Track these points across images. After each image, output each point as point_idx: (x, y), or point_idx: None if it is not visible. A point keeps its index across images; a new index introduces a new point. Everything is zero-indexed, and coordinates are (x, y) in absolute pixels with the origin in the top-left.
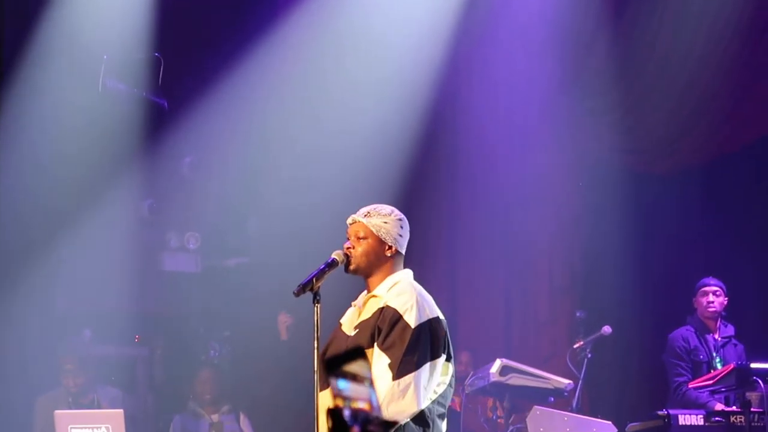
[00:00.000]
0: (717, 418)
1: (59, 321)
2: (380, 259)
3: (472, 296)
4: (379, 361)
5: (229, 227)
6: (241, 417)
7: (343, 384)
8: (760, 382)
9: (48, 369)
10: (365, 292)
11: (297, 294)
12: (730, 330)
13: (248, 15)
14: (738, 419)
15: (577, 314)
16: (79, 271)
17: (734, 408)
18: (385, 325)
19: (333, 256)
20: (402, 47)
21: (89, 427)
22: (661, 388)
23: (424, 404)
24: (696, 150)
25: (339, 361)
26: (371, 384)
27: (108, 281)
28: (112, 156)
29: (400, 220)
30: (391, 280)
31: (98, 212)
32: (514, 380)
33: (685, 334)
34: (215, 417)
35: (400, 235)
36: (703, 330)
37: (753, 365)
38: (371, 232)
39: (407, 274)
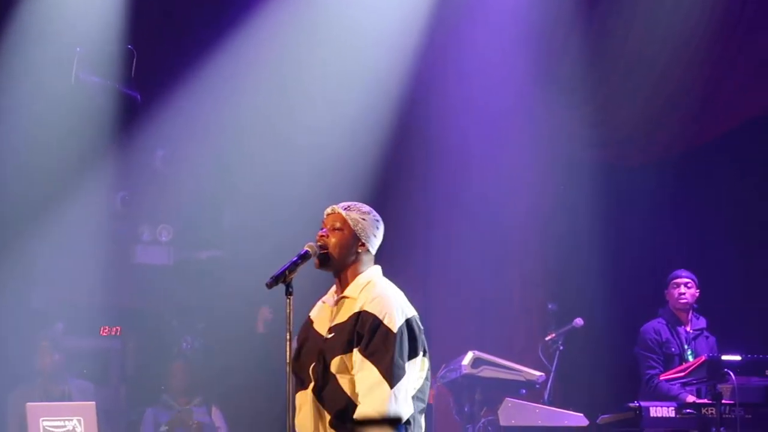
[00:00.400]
0: (688, 411)
1: (32, 314)
2: (351, 254)
3: (444, 288)
4: (366, 369)
5: (201, 220)
6: (213, 409)
7: (329, 390)
8: (731, 374)
9: (21, 361)
10: (334, 288)
11: (269, 286)
12: (702, 322)
13: (222, 7)
14: (709, 411)
15: (549, 306)
16: (52, 264)
17: (705, 400)
18: (365, 332)
19: (305, 248)
20: (376, 41)
21: (61, 419)
22: (633, 380)
23: None
24: (668, 143)
25: (323, 366)
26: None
27: (81, 274)
28: (85, 149)
29: (377, 221)
30: (362, 279)
31: (71, 205)
32: (486, 372)
33: (656, 326)
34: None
35: (374, 236)
36: (674, 322)
37: (724, 357)
38: (348, 225)
39: (377, 271)
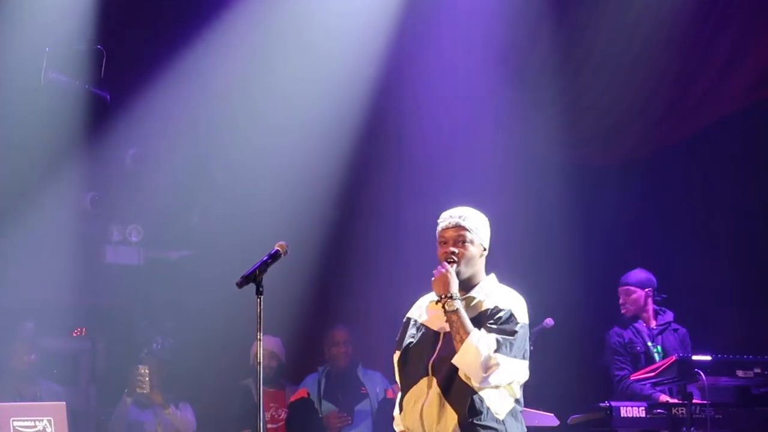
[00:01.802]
0: (659, 410)
1: (1, 313)
2: (478, 261)
3: (412, 290)
4: (488, 337)
5: (171, 220)
6: (181, 406)
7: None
8: (701, 374)
9: None
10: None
11: (240, 285)
12: (669, 316)
13: (192, 7)
14: (680, 411)
15: None
16: (21, 264)
17: (676, 400)
18: (497, 317)
19: (276, 247)
20: (345, 41)
21: (32, 420)
22: (604, 380)
23: (504, 391)
24: (636, 144)
25: (448, 360)
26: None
27: (50, 274)
28: (55, 149)
29: (487, 220)
30: (487, 284)
31: (41, 205)
32: None
33: (618, 330)
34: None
35: (488, 237)
36: (635, 322)
37: (694, 357)
38: (474, 236)
39: (495, 279)
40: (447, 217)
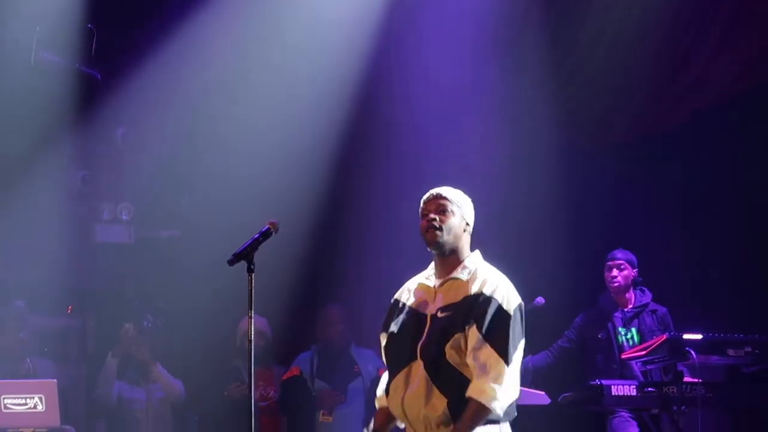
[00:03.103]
0: (649, 389)
1: None
2: (460, 235)
3: (402, 269)
4: (484, 349)
5: (162, 199)
6: (158, 367)
7: (445, 371)
8: (692, 352)
9: None
10: (432, 270)
11: (231, 263)
12: (647, 297)
13: None
14: (671, 389)
15: None
16: (11, 243)
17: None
18: (484, 314)
19: (267, 225)
20: (336, 21)
21: (22, 397)
22: (594, 359)
23: None
24: (629, 126)
25: (436, 344)
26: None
27: (41, 253)
28: (45, 128)
29: (470, 200)
30: (470, 263)
31: (31, 184)
32: None
33: (587, 311)
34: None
35: (472, 215)
36: (610, 306)
37: (685, 336)
38: (455, 207)
39: (479, 256)
40: (428, 193)
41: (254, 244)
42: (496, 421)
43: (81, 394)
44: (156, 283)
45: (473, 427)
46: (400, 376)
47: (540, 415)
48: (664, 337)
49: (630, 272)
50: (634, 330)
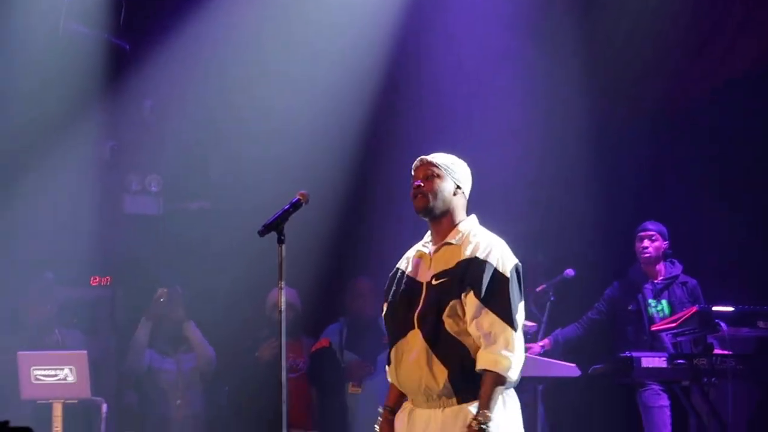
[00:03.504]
0: (680, 361)
1: (20, 264)
2: (450, 199)
3: None
4: (485, 315)
5: (191, 170)
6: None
7: (445, 340)
8: (722, 324)
9: (10, 311)
10: (428, 237)
11: (262, 234)
12: (677, 269)
13: None
14: (701, 362)
15: (539, 257)
16: (41, 214)
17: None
18: (481, 279)
19: (297, 196)
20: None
21: (53, 368)
22: (624, 331)
23: None
24: (661, 93)
25: (433, 312)
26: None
27: (70, 224)
28: (74, 99)
29: (464, 164)
30: (464, 227)
31: (60, 155)
32: None
33: (616, 284)
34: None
35: (467, 178)
36: (640, 278)
37: (715, 308)
38: (442, 171)
39: (475, 219)
40: (417, 159)
41: (284, 215)
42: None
43: (110, 365)
44: (185, 254)
45: (496, 398)
46: (400, 346)
47: (570, 387)
48: (694, 309)
49: (661, 244)
50: (664, 302)
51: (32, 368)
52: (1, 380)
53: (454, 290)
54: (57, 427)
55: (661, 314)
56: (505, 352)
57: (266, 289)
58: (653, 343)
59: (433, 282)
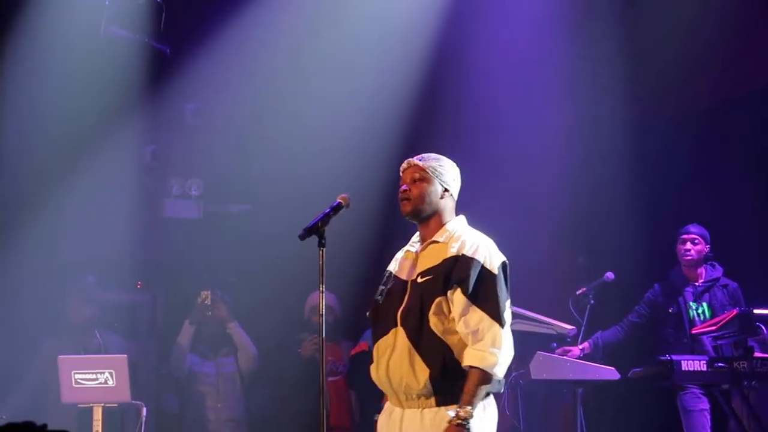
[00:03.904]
0: (720, 364)
1: (62, 268)
2: (437, 201)
3: None
4: (472, 312)
5: (231, 173)
6: (235, 324)
7: (428, 339)
8: (763, 327)
9: (50, 316)
10: (417, 237)
11: (302, 238)
12: (718, 272)
13: None
14: (741, 365)
15: (579, 260)
16: (82, 218)
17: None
18: (468, 276)
19: (338, 199)
20: None
21: (93, 372)
22: (664, 333)
23: None
24: (700, 96)
25: (417, 310)
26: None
27: (110, 228)
28: (114, 103)
29: (453, 165)
30: (451, 226)
31: (100, 159)
32: (518, 326)
33: (657, 286)
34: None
35: (454, 180)
36: (681, 281)
37: (756, 311)
38: (428, 174)
39: (463, 219)
40: (404, 162)
41: (325, 219)
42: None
43: (151, 369)
44: (225, 257)
45: (480, 396)
46: (381, 344)
47: (610, 391)
48: (735, 311)
49: (703, 247)
50: (705, 304)
51: (73, 372)
52: (43, 382)
53: (440, 287)
54: (97, 430)
55: (701, 317)
56: (492, 349)
57: (306, 292)
58: (693, 346)
59: (419, 280)
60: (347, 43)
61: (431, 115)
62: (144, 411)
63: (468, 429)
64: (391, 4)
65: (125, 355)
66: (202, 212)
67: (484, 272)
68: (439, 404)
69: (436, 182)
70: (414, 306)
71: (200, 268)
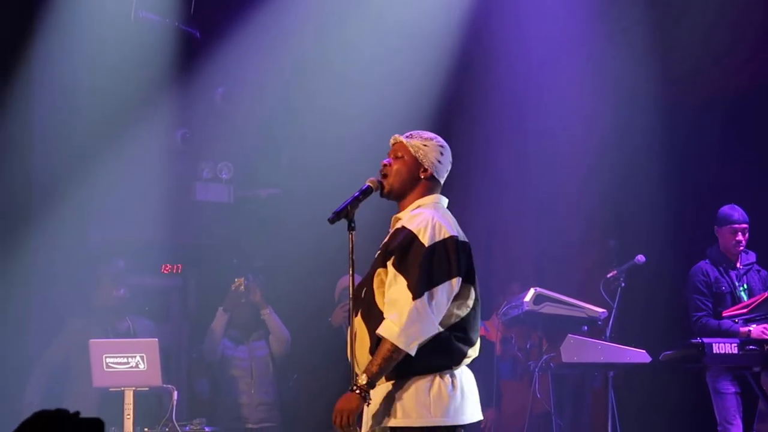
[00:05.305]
0: (751, 347)
1: (92, 251)
2: (414, 180)
3: (504, 226)
4: (397, 283)
5: (262, 157)
6: (269, 309)
7: (365, 309)
8: None
9: (80, 298)
10: None
11: (332, 221)
12: (752, 257)
13: None
14: None
15: (610, 243)
16: (113, 202)
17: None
18: (398, 246)
19: (367, 183)
20: None
21: (124, 356)
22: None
23: (440, 326)
24: (730, 78)
25: (361, 287)
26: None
27: (141, 212)
28: (145, 87)
29: (441, 146)
30: (417, 203)
31: (131, 143)
32: (548, 309)
33: (704, 267)
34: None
35: (439, 161)
36: (723, 261)
37: None
38: (409, 151)
39: (436, 198)
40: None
41: (354, 203)
42: (428, 372)
43: (182, 353)
44: (256, 242)
45: (384, 366)
46: (356, 323)
47: (641, 374)
48: (766, 294)
49: (747, 232)
50: (745, 286)
51: (104, 356)
52: (65, 359)
53: (381, 260)
54: (128, 414)
55: (745, 296)
56: (394, 319)
57: (336, 276)
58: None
59: (376, 255)
60: (375, 33)
61: (460, 101)
62: (175, 394)
63: (365, 397)
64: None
65: (156, 339)
66: (233, 196)
67: (415, 243)
68: (388, 379)
69: (413, 160)
70: (367, 282)
71: (231, 252)
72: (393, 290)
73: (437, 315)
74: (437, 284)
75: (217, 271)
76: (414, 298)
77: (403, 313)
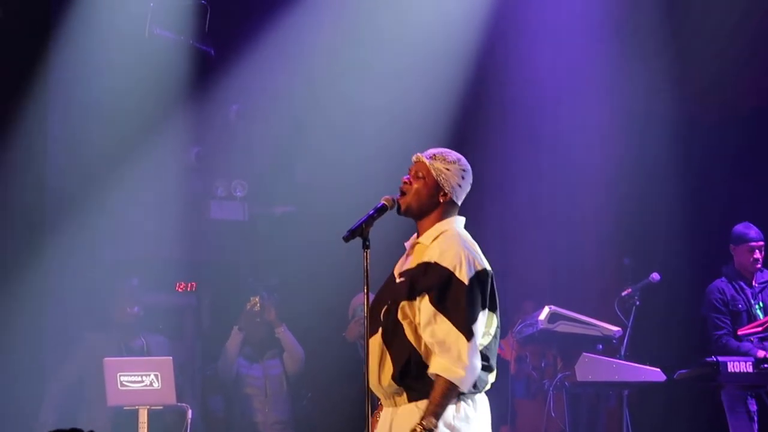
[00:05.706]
0: (766, 366)
1: (106, 269)
2: (432, 203)
3: (518, 243)
4: (439, 323)
5: (276, 175)
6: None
7: (389, 337)
8: None
9: (95, 315)
10: (415, 235)
11: (347, 239)
12: (766, 275)
13: None
14: None
15: (625, 261)
16: (127, 220)
17: None
18: (436, 283)
19: (382, 201)
20: None
21: (138, 374)
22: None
23: None
24: (747, 95)
25: (378, 306)
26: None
27: (155, 229)
28: (159, 104)
29: (463, 170)
30: (438, 227)
31: (145, 160)
32: (563, 327)
33: (720, 285)
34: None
35: (459, 185)
36: (740, 279)
37: None
38: (431, 174)
39: (456, 222)
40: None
41: (369, 221)
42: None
43: (196, 372)
44: (270, 259)
45: (445, 404)
46: (371, 342)
47: (656, 393)
48: None
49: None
50: (761, 303)
51: (118, 374)
52: (80, 376)
53: (406, 292)
54: None
55: (761, 314)
56: (458, 363)
57: (351, 294)
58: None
59: (397, 280)
60: (394, 44)
61: (475, 118)
62: (189, 413)
63: None
64: (432, 8)
65: (170, 358)
66: (247, 214)
67: (453, 281)
68: (410, 400)
69: (433, 181)
70: (391, 307)
71: (245, 270)
72: (439, 331)
73: (477, 362)
74: (477, 320)
75: (231, 290)
76: (468, 340)
77: (463, 356)
